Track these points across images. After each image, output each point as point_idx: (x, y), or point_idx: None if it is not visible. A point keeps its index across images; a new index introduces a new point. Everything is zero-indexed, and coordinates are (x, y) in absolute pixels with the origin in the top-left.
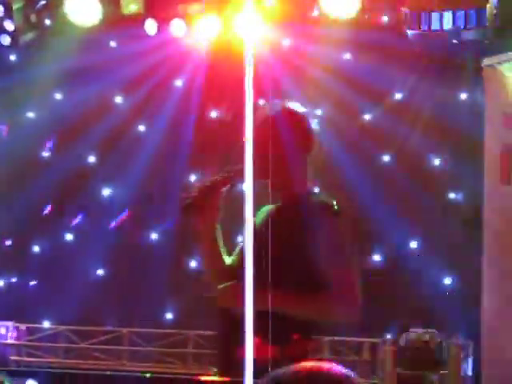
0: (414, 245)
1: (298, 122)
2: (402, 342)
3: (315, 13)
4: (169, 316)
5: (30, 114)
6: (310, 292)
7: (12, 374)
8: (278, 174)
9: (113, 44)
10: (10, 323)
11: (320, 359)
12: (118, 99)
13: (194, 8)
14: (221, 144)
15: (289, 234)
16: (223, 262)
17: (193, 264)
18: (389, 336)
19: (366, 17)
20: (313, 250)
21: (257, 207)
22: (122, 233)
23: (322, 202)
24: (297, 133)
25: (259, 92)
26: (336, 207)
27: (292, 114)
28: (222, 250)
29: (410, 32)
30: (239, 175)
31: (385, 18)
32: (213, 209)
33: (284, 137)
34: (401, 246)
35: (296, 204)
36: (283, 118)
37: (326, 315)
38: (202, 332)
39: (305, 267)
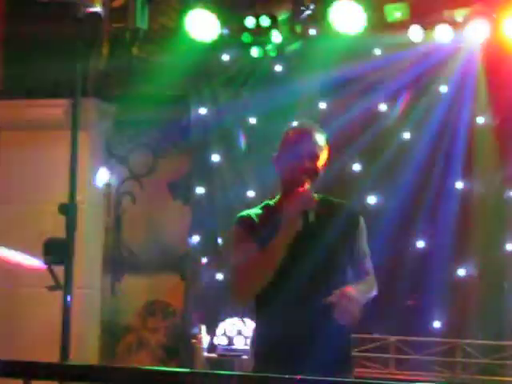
0: None
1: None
2: None
3: None
4: (436, 325)
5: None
6: None
7: None
8: None
9: (377, 52)
10: None
11: None
12: (383, 107)
13: (460, 13)
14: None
15: None
16: None
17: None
18: None
19: None
20: None
21: None
22: (392, 242)
23: None
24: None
25: None
26: None
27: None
28: None
29: None
30: None
31: None
32: None
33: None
34: None
35: None
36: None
37: None
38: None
39: None
